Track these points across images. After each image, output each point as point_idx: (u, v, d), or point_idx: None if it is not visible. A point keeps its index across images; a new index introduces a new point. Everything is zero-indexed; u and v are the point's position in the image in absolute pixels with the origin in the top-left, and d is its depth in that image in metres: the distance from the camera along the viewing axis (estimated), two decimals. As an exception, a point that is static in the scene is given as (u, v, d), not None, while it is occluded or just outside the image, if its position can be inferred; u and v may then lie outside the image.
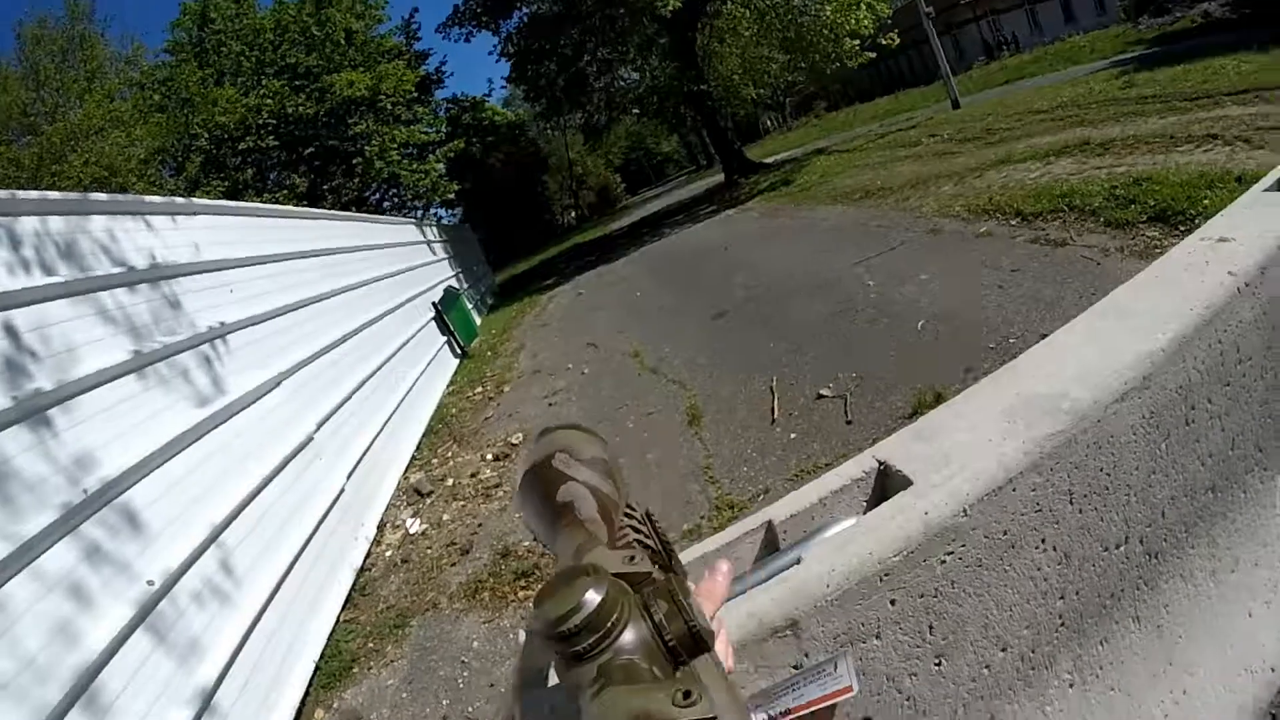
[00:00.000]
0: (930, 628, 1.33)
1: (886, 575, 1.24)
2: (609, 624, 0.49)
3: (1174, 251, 1.85)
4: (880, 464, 1.50)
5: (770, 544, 1.53)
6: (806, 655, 1.25)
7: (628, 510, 0.76)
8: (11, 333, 3.99)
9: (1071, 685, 1.57)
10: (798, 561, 1.27)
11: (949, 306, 6.33)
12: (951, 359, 5.39)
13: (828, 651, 1.25)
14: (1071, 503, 1.42)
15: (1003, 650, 1.43)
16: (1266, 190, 2.12)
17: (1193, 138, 8.31)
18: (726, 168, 31.29)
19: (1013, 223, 7.78)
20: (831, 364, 6.30)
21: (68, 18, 25.10)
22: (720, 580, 0.77)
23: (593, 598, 0.50)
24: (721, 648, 0.74)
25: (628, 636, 0.50)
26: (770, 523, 1.51)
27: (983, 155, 12.19)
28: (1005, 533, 1.34)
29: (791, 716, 1.29)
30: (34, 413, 3.86)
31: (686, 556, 1.53)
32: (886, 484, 1.49)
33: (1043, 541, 1.41)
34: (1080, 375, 1.47)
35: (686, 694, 0.44)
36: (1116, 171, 7.96)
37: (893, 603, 1.27)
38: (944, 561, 1.28)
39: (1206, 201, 6.01)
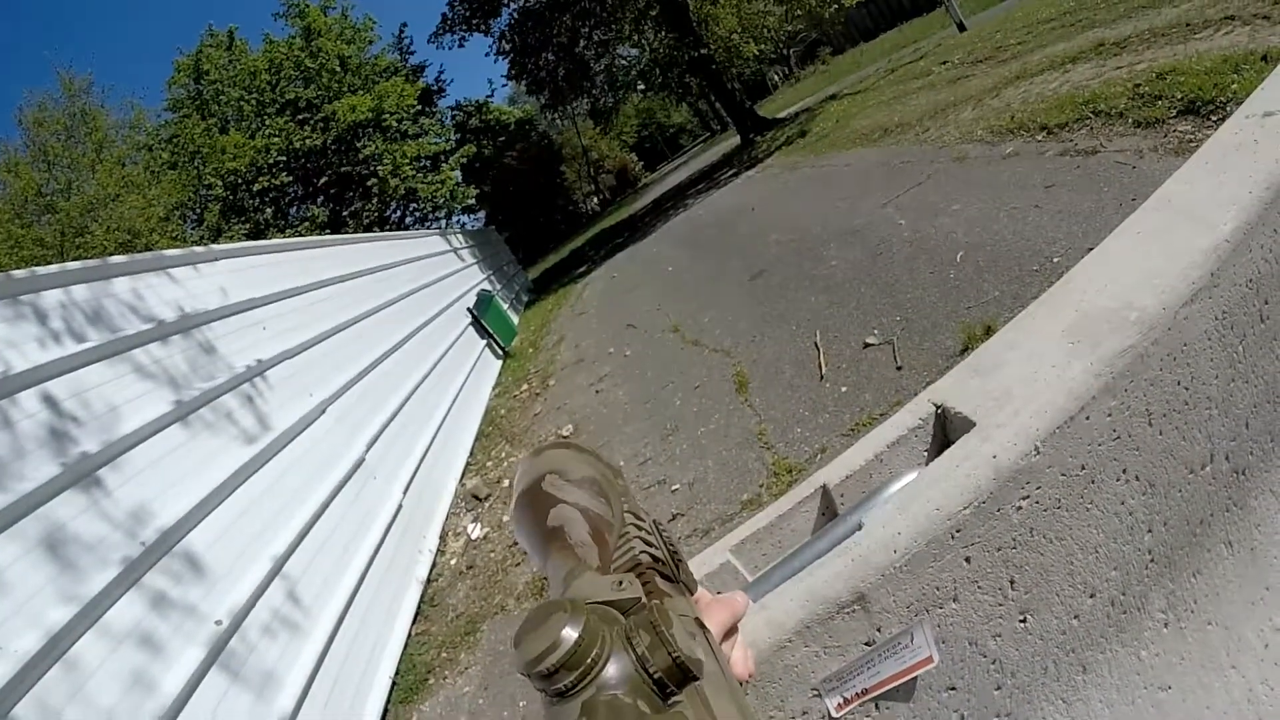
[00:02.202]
0: (1012, 582, 1.22)
1: (958, 531, 1.13)
2: (589, 660, 0.48)
3: (1220, 134, 1.70)
4: (938, 408, 1.38)
5: (828, 510, 1.42)
6: (879, 630, 1.14)
7: (636, 520, 0.73)
8: (52, 402, 4.06)
9: (1166, 625, 1.44)
10: (858, 527, 1.16)
11: (986, 234, 6.13)
12: (996, 287, 5.23)
13: (902, 623, 1.14)
14: (1151, 424, 1.30)
15: (1091, 596, 1.32)
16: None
17: (1210, 22, 7.98)
18: (740, 129, 30.95)
19: (1039, 138, 7.54)
20: (874, 311, 6.16)
21: (65, 96, 25.71)
22: (739, 599, 0.77)
23: (569, 634, 0.49)
24: (739, 654, 0.75)
25: (611, 671, 0.49)
26: (825, 487, 1.40)
27: (997, 74, 11.86)
28: (1083, 468, 1.22)
29: (868, 697, 1.19)
30: (84, 475, 3.94)
31: (740, 534, 1.43)
32: (947, 429, 1.37)
33: (1124, 472, 1.28)
34: (1142, 280, 1.33)
35: None
36: (1137, 69, 7.67)
37: (968, 560, 1.16)
38: (1019, 508, 1.17)
39: (1235, 86, 5.74)
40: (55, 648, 3.20)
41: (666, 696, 0.48)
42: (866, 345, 5.65)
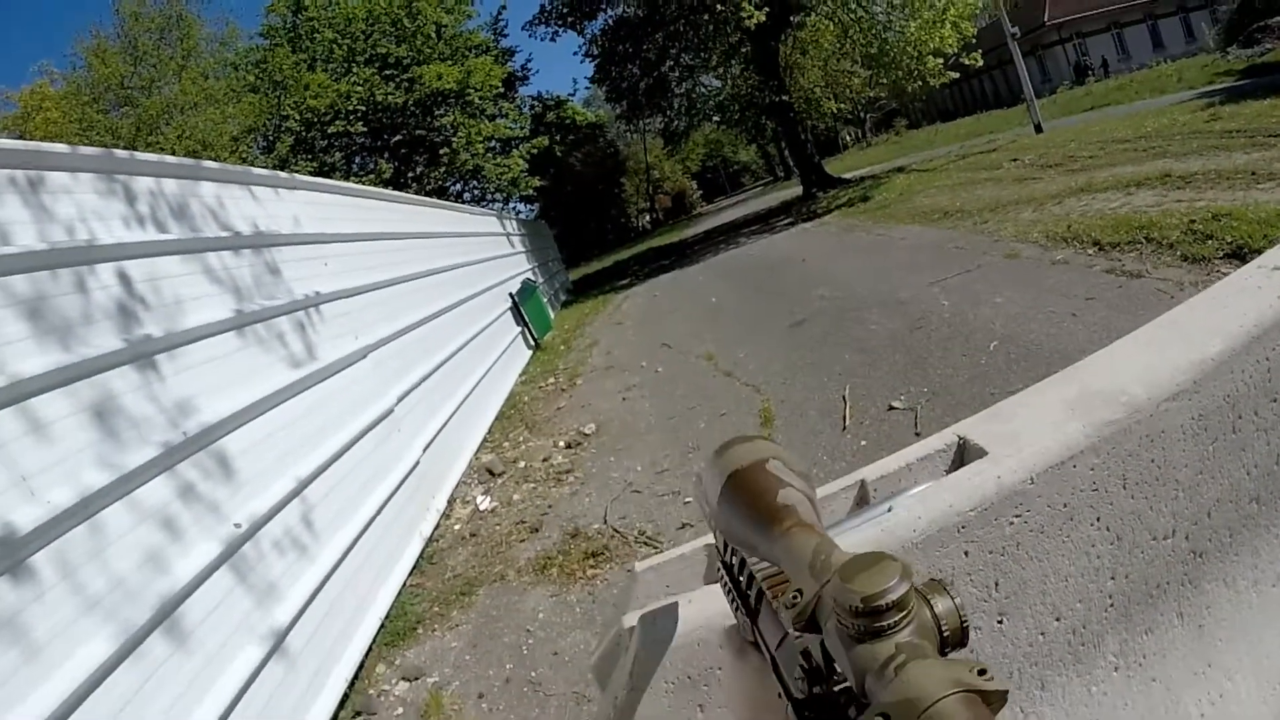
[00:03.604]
0: (996, 584, 1.55)
1: (963, 528, 1.48)
2: (911, 605, 0.51)
3: (1231, 276, 2.03)
4: (960, 438, 1.73)
5: (862, 500, 1.77)
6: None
7: None
8: (127, 281, 4.22)
9: (1116, 669, 1.74)
10: (888, 510, 1.51)
11: (1022, 330, 6.42)
12: (1021, 380, 5.41)
13: (911, 591, 1.48)
14: (1125, 487, 1.63)
15: (1057, 619, 1.64)
16: (1329, 230, 2.29)
17: (1275, 175, 8.28)
18: (804, 180, 31.24)
19: (1090, 252, 7.83)
20: (904, 378, 6.45)
21: (166, -2, 25.89)
22: None
23: (900, 578, 0.51)
24: None
25: (916, 621, 0.51)
26: (863, 481, 1.75)
27: (1063, 182, 12.15)
28: (1065, 505, 1.56)
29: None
30: (143, 356, 4.09)
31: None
32: (965, 455, 1.71)
33: (1098, 519, 1.62)
34: (1137, 376, 1.68)
35: (982, 671, 0.45)
36: (1196, 205, 7.96)
37: (966, 554, 1.50)
38: (1012, 523, 1.51)
39: (1284, 239, 6.01)
40: (87, 508, 3.33)
41: (943, 653, 0.51)
42: (891, 408, 5.94)
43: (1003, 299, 7.41)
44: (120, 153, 4.77)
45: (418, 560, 6.37)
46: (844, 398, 6.52)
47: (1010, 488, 1.50)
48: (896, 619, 0.49)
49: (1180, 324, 1.88)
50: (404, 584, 6.00)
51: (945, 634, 0.51)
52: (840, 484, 1.77)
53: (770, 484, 0.70)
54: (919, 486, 1.60)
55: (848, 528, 1.54)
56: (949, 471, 1.73)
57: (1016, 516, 1.52)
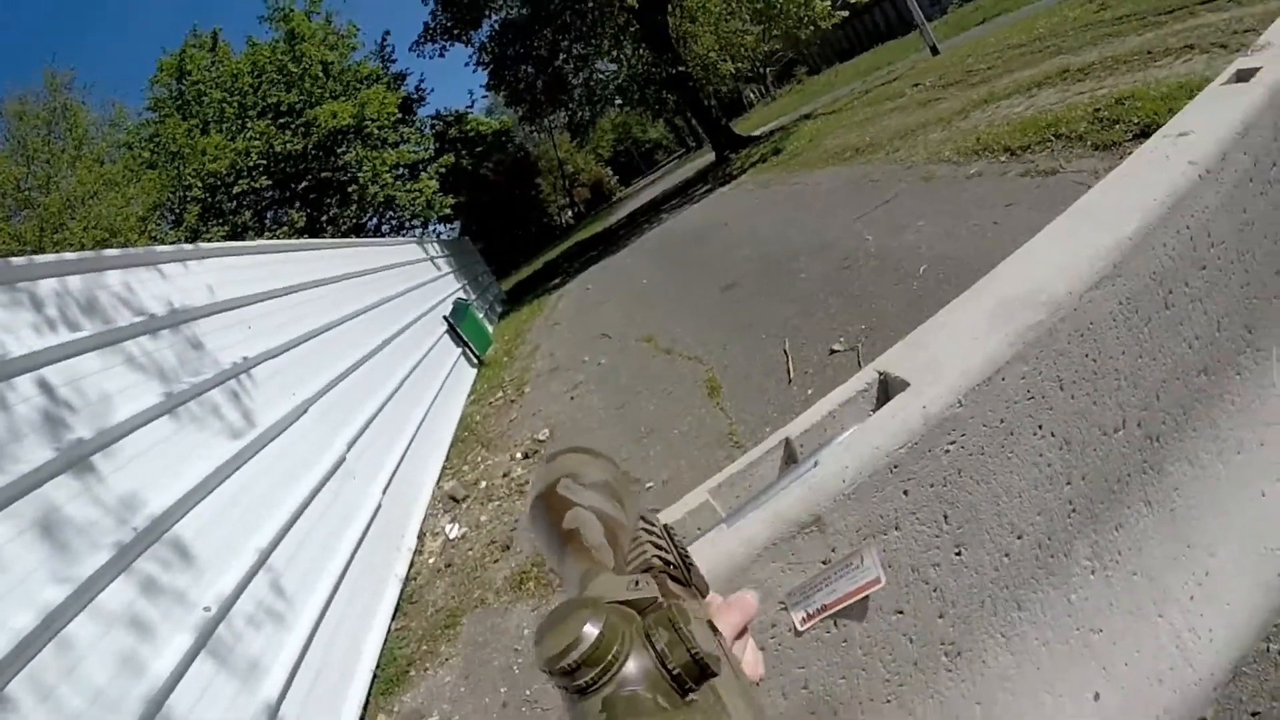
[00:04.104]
0: (945, 517, 1.45)
1: (896, 467, 1.36)
2: (610, 657, 0.49)
3: (1138, 151, 1.95)
4: (881, 375, 1.62)
5: (790, 459, 1.65)
6: (833, 550, 1.37)
7: (646, 525, 0.76)
8: (48, 388, 4.12)
9: (1093, 572, 1.66)
10: (815, 465, 1.39)
11: (949, 249, 6.39)
12: (956, 296, 5.42)
13: (852, 544, 1.37)
14: (1062, 389, 1.53)
15: (1019, 538, 1.54)
16: (1224, 84, 2.22)
17: (1170, 50, 8.32)
18: (716, 146, 31.25)
19: (1002, 159, 7.82)
20: (841, 320, 6.39)
21: (47, 90, 25.36)
22: (749, 598, 0.78)
23: (591, 631, 0.50)
24: (750, 656, 0.76)
25: (631, 668, 0.49)
26: (788, 439, 1.63)
27: (966, 97, 12.20)
28: (1002, 421, 1.45)
29: (827, 613, 1.41)
30: (77, 460, 4.00)
31: (716, 479, 1.65)
32: (889, 392, 1.60)
33: (1040, 428, 1.52)
34: (1055, 272, 1.58)
35: None
36: (1098, 94, 7.98)
37: (906, 494, 1.39)
38: (948, 451, 1.40)
39: (1188, 111, 6.00)
40: (50, 627, 3.26)
41: (684, 693, 0.49)
42: (833, 352, 5.87)
43: (925, 222, 7.38)
44: (17, 260, 4.63)
45: (398, 602, 6.26)
46: (785, 351, 6.45)
47: (938, 416, 1.39)
48: (592, 676, 0.48)
49: (1093, 209, 1.79)
50: (389, 629, 5.90)
51: (674, 673, 0.49)
52: (764, 447, 1.65)
53: (558, 507, 0.71)
54: (846, 433, 1.49)
55: (775, 492, 1.43)
56: (876, 411, 1.62)
57: (951, 444, 1.41)
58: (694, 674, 0.49)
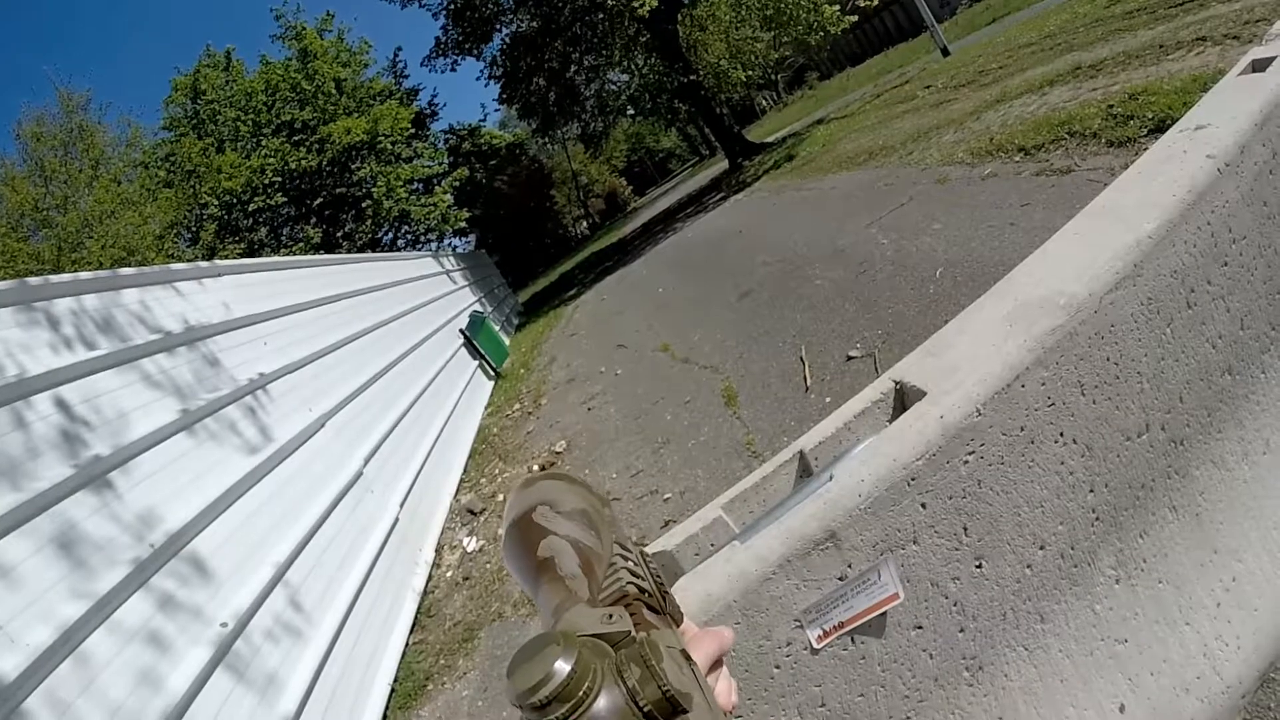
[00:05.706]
0: (965, 529, 1.40)
1: (913, 480, 1.32)
2: (581, 693, 0.49)
3: (1154, 146, 1.90)
4: (896, 384, 1.58)
5: (805, 472, 1.61)
6: (849, 566, 1.33)
7: (623, 552, 0.75)
8: (65, 406, 4.15)
9: (1118, 581, 1.61)
10: (830, 479, 1.35)
11: (964, 251, 6.33)
12: (973, 299, 5.31)
13: (869, 560, 1.33)
14: (1083, 394, 1.49)
15: (1041, 548, 1.50)
16: (1240, 74, 2.17)
17: (1182, 43, 8.25)
18: (729, 153, 31.20)
19: (1016, 159, 7.75)
20: (857, 325, 6.34)
21: (63, 112, 25.64)
22: (726, 631, 0.77)
23: (562, 667, 0.49)
24: (724, 685, 0.74)
25: (602, 704, 0.49)
26: (801, 452, 1.59)
27: (979, 97, 12.13)
28: (1022, 429, 1.41)
29: (844, 630, 1.37)
30: (95, 477, 4.02)
31: (729, 494, 1.61)
32: (905, 401, 1.56)
33: (1061, 434, 1.47)
34: (1073, 273, 1.53)
35: None
36: (1111, 91, 7.92)
37: (924, 506, 1.35)
38: (966, 462, 1.36)
39: (1203, 105, 5.94)
40: (67, 642, 3.27)
41: None
42: (850, 358, 5.82)
43: (940, 224, 7.32)
44: (34, 280, 4.65)
45: (416, 616, 6.25)
46: (801, 358, 6.40)
47: (956, 425, 1.34)
48: (563, 712, 0.48)
49: (1110, 208, 1.75)
50: (406, 643, 5.89)
51: (646, 710, 0.49)
52: (777, 461, 1.62)
53: (533, 536, 0.70)
54: (861, 445, 1.45)
55: (789, 507, 1.39)
56: (892, 421, 1.58)
57: (970, 454, 1.36)
58: (665, 711, 0.49)
